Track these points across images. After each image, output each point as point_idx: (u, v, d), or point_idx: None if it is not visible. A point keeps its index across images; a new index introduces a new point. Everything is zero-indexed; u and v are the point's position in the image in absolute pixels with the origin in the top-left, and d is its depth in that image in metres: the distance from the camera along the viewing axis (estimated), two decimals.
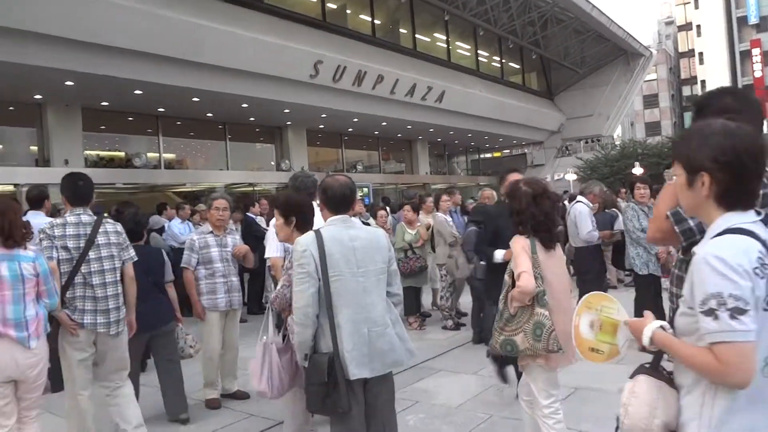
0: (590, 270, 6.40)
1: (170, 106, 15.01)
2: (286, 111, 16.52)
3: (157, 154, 16.44)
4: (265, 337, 3.29)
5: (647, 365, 1.74)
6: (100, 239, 3.88)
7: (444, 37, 22.07)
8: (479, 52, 24.15)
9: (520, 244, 3.21)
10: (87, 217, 3.92)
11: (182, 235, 8.49)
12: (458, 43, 23.24)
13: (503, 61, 26.01)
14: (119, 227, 4.05)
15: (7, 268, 3.26)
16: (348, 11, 18.41)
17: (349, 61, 15.51)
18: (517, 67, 27.57)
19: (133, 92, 12.83)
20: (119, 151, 16.18)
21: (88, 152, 14.59)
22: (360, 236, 2.98)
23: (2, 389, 3.23)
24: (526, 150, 31.49)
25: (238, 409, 4.88)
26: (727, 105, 2.17)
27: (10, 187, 12.88)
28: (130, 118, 15.90)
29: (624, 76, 29.11)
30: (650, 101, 57.97)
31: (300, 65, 14.23)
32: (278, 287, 3.26)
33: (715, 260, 1.51)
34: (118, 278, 3.93)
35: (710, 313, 1.49)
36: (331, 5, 17.00)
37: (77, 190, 3.95)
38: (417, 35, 20.36)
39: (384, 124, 20.09)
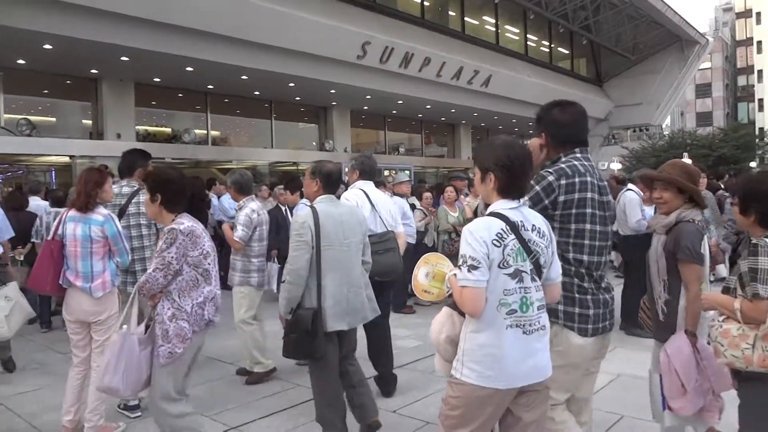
0: (636, 258, 6.32)
1: (219, 84, 15.24)
2: (332, 91, 16.59)
3: (205, 131, 16.76)
4: (125, 327, 3.14)
5: (452, 303, 2.41)
6: (131, 209, 4.32)
7: (493, 21, 21.75)
8: (528, 36, 23.73)
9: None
10: (127, 188, 4.41)
11: (232, 210, 8.70)
12: (507, 27, 22.87)
13: (552, 45, 25.51)
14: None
15: (80, 229, 3.82)
16: None
17: (396, 43, 15.46)
18: (567, 52, 26.99)
19: (184, 69, 13.07)
20: (167, 126, 16.57)
21: (138, 127, 14.97)
22: (345, 213, 3.69)
23: (75, 326, 3.87)
24: None
25: (285, 379, 5.04)
26: (555, 116, 2.79)
27: (66, 159, 13.35)
28: (180, 95, 16.22)
29: (677, 63, 28.20)
30: (703, 90, 56.22)
31: (348, 46, 14.26)
32: (149, 271, 3.13)
33: (467, 233, 2.25)
34: (145, 245, 4.33)
35: (461, 267, 2.21)
36: None
37: (125, 163, 4.48)
38: (466, 18, 20.12)
39: (428, 107, 20.00)
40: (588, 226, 2.59)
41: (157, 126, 16.28)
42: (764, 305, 2.28)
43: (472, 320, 2.27)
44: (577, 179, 2.57)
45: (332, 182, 3.74)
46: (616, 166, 23.73)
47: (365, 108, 19.81)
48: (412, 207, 8.07)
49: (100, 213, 3.87)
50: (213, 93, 16.31)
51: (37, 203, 7.29)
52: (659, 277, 3.07)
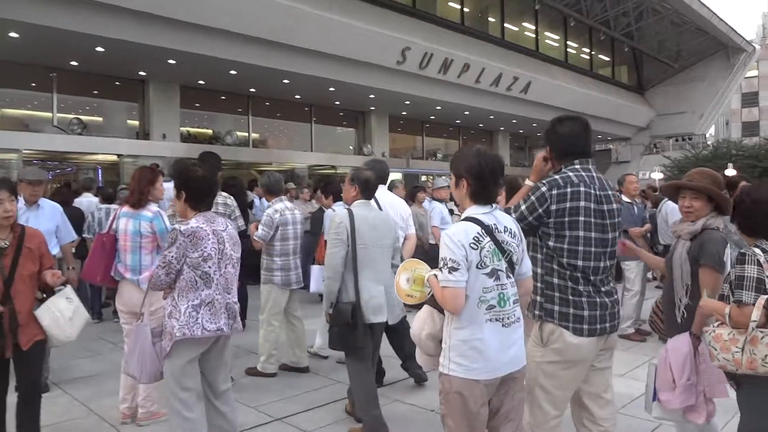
0: None
1: (261, 87, 15.56)
2: (371, 96, 16.78)
3: (246, 133, 17.11)
4: (141, 318, 3.42)
5: (433, 302, 2.61)
6: None
7: (533, 27, 21.68)
8: (568, 42, 23.56)
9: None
10: None
11: None
12: (547, 33, 22.75)
13: (593, 52, 25.27)
14: (229, 200, 4.61)
15: (131, 225, 4.03)
16: None
17: (436, 49, 15.56)
18: (607, 59, 26.70)
19: (228, 72, 13.40)
20: (209, 128, 16.99)
21: (182, 128, 15.38)
22: (378, 217, 4.00)
23: (127, 317, 4.08)
24: (611, 146, 30.55)
25: (324, 375, 5.17)
26: (556, 130, 2.95)
27: (113, 157, 13.79)
28: (223, 97, 16.60)
29: (722, 71, 27.63)
30: (749, 99, 54.81)
31: (388, 51, 14.42)
32: (154, 269, 3.26)
33: (446, 237, 2.44)
34: None
35: (441, 269, 2.41)
36: None
37: (200, 160, 4.65)
38: (505, 24, 20.12)
39: (466, 113, 20.04)
40: (581, 233, 2.71)
41: (198, 128, 16.69)
42: (748, 311, 2.42)
43: (455, 318, 2.46)
44: (568, 189, 2.71)
45: (369, 188, 4.02)
46: (657, 175, 23.29)
47: (404, 113, 19.96)
48: (451, 212, 8.14)
49: (150, 209, 4.05)
50: (255, 96, 16.65)
51: (88, 199, 7.59)
52: (682, 281, 3.12)
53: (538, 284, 2.80)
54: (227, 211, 4.65)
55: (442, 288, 2.40)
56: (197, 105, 16.39)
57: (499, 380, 2.48)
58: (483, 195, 2.53)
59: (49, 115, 13.49)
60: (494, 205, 2.56)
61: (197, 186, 3.22)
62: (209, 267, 3.11)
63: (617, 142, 29.72)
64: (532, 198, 2.74)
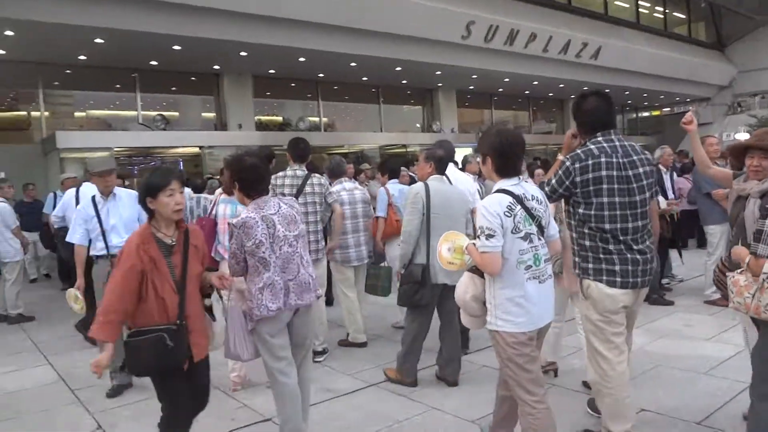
0: None
1: (329, 72, 15.84)
2: (438, 73, 16.77)
3: (317, 118, 17.51)
4: (226, 302, 3.41)
5: (473, 268, 3.01)
6: (306, 189, 4.95)
7: None
8: (639, 2, 22.56)
9: None
10: (300, 172, 5.01)
11: None
12: None
13: (667, 11, 24.08)
14: (323, 179, 5.10)
15: (229, 209, 4.59)
16: None
17: (501, 20, 15.33)
18: (683, 17, 25.37)
19: (297, 60, 13.75)
20: (278, 115, 17.53)
21: (256, 117, 15.93)
22: (450, 190, 4.50)
23: (226, 294, 4.19)
24: (690, 108, 29.15)
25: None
26: (579, 106, 3.24)
27: (195, 149, 14.48)
28: (293, 84, 17.03)
29: None
30: None
31: (453, 27, 14.35)
32: (229, 262, 3.42)
33: (482, 207, 2.79)
34: (317, 219, 5.02)
35: (479, 236, 2.75)
36: None
37: (297, 151, 5.04)
38: None
39: (535, 83, 19.67)
40: (606, 199, 3.01)
41: (269, 116, 17.20)
42: (762, 262, 2.66)
43: (498, 279, 2.81)
44: (590, 161, 3.01)
45: (442, 165, 4.55)
46: (743, 136, 22.10)
47: (471, 88, 19.82)
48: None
49: None
50: (323, 81, 16.98)
51: None
52: None
53: (575, 246, 3.18)
54: (322, 190, 5.04)
55: (480, 253, 2.77)
56: (268, 93, 16.92)
57: (537, 330, 2.86)
58: (507, 169, 2.87)
59: (134, 113, 14.32)
60: (521, 177, 2.90)
61: (246, 176, 3.37)
62: (263, 252, 3.23)
63: (697, 103, 28.34)
64: (560, 172, 3.06)
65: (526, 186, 2.89)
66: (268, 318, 3.27)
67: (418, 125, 20.08)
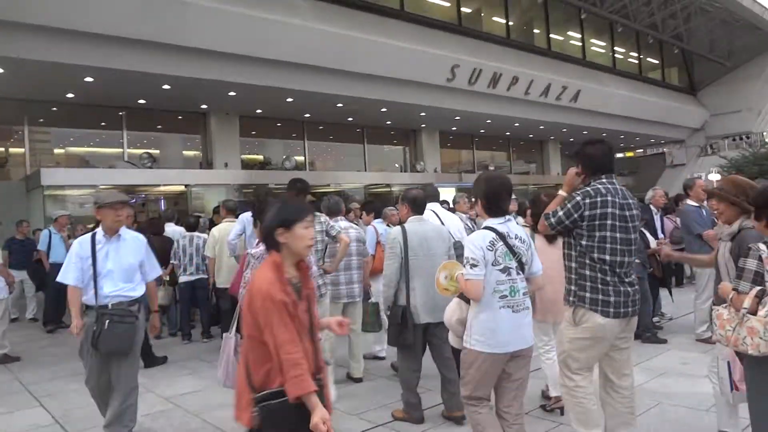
0: None
1: (315, 112, 16.04)
2: (422, 114, 17.07)
3: (302, 157, 17.61)
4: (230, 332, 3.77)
5: (461, 294, 3.36)
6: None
7: (579, 35, 21.60)
8: (615, 48, 23.33)
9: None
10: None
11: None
12: (593, 41, 22.61)
13: (641, 56, 24.92)
14: (323, 217, 5.02)
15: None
16: (482, 14, 18.63)
17: (484, 64, 15.74)
18: (657, 62, 26.28)
19: (285, 100, 13.90)
20: (259, 154, 17.73)
21: (242, 156, 15.97)
22: (430, 230, 4.56)
23: None
24: (664, 149, 29.93)
25: None
26: (587, 152, 3.54)
27: (181, 188, 14.42)
28: (279, 124, 17.18)
29: None
30: None
31: (438, 70, 14.68)
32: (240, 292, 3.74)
33: (468, 241, 3.23)
34: (320, 257, 5.05)
35: (465, 265, 3.16)
36: (465, 9, 17.29)
37: (294, 188, 5.09)
38: (551, 35, 20.12)
39: (516, 125, 20.09)
40: (608, 234, 3.31)
41: (249, 154, 17.27)
42: (742, 298, 2.82)
43: (476, 304, 3.19)
44: (598, 199, 3.32)
45: (417, 205, 4.66)
46: (714, 176, 22.69)
47: (454, 128, 20.17)
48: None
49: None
50: (309, 121, 17.16)
51: (172, 228, 8.06)
52: (729, 278, 3.41)
53: (573, 276, 3.44)
54: (322, 228, 5.06)
55: (465, 280, 3.15)
56: (253, 133, 17.00)
57: (509, 355, 3.18)
58: (494, 209, 3.27)
59: (118, 150, 14.28)
60: (507, 217, 3.26)
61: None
62: None
63: (671, 145, 29.12)
64: (569, 206, 3.35)
65: (512, 226, 3.26)
66: None
67: (397, 165, 20.35)
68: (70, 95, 12.29)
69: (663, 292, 7.51)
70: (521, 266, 3.20)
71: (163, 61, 10.59)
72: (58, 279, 4.15)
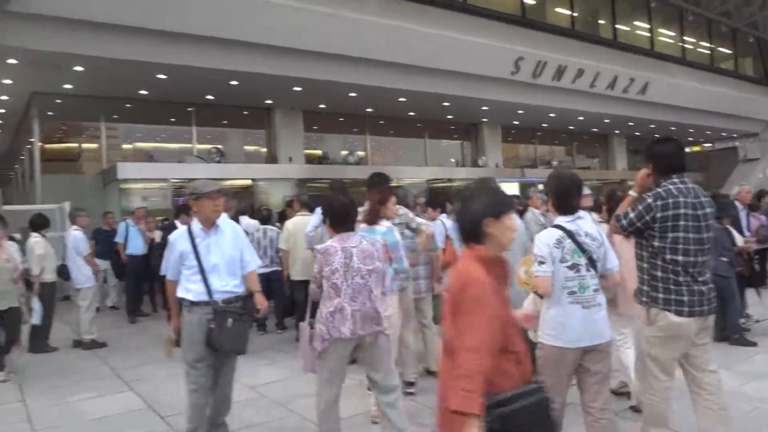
0: None
1: (378, 107, 16.08)
2: (484, 108, 16.87)
3: (364, 152, 17.69)
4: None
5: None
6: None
7: (647, 25, 20.87)
8: (685, 38, 22.44)
9: None
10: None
11: None
12: (662, 30, 21.80)
13: (713, 46, 23.90)
14: (403, 209, 5.13)
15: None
16: (546, 5, 18.23)
17: (549, 57, 15.41)
18: (730, 52, 25.11)
19: (348, 95, 13.98)
20: (318, 149, 17.83)
21: (306, 151, 16.18)
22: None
23: None
24: (737, 143, 28.64)
25: None
26: (657, 151, 3.54)
27: (248, 182, 14.72)
28: (341, 119, 17.30)
29: None
30: None
31: (502, 63, 14.47)
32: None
33: (537, 239, 3.31)
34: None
35: (534, 262, 3.26)
36: (529, 1, 16.94)
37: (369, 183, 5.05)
38: (617, 25, 19.50)
39: (580, 118, 19.62)
40: (681, 235, 3.28)
41: (308, 149, 17.43)
42: None
43: (546, 299, 3.25)
44: (670, 200, 3.30)
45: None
46: None
47: (516, 123, 19.86)
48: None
49: (384, 225, 4.58)
50: (371, 116, 17.21)
51: (247, 222, 8.22)
52: None
53: (645, 276, 3.41)
54: (402, 220, 5.05)
55: (535, 276, 3.26)
56: (315, 127, 17.15)
57: (582, 350, 3.19)
58: (564, 207, 3.32)
59: (188, 146, 14.68)
60: (577, 214, 3.29)
61: (335, 213, 3.78)
62: (337, 279, 3.58)
63: (744, 139, 27.85)
64: (640, 207, 3.33)
65: (582, 223, 3.29)
66: (334, 341, 3.56)
67: (453, 160, 20.19)
68: (143, 92, 12.71)
69: (749, 292, 7.17)
70: (592, 263, 3.21)
71: (231, 58, 10.81)
72: (161, 272, 4.11)
